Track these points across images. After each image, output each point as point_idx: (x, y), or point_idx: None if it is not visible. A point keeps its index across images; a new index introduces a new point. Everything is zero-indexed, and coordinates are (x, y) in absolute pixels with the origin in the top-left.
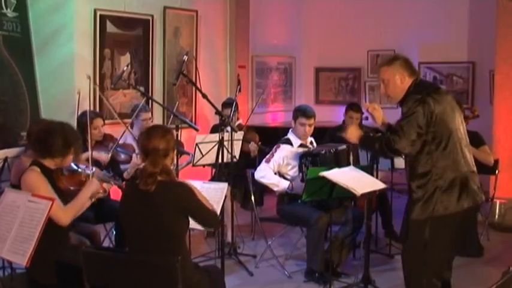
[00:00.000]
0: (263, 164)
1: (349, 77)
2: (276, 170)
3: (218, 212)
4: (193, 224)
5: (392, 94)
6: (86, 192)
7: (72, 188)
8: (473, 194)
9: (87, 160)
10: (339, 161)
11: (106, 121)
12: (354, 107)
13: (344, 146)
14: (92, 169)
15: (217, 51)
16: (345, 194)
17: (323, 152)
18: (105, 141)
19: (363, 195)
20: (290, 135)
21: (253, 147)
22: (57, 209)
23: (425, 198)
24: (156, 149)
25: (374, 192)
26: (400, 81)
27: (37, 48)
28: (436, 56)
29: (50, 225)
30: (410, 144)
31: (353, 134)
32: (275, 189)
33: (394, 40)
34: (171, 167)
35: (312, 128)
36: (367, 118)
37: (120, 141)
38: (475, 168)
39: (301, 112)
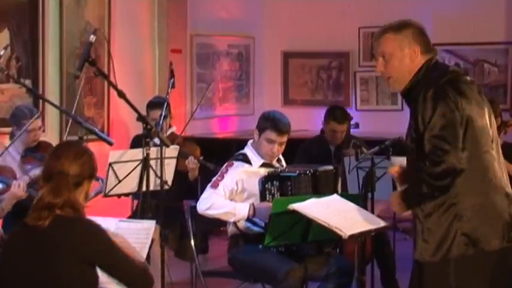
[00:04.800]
0: (208, 191)
1: (333, 65)
2: (227, 199)
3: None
4: (105, 281)
5: (395, 75)
6: None
7: None
8: (506, 228)
9: None
10: (320, 188)
11: None
12: (336, 115)
13: (329, 167)
14: None
15: (140, 28)
16: (326, 236)
17: (296, 174)
18: None
19: (353, 237)
20: (248, 150)
21: (192, 163)
22: None
23: (438, 234)
24: (63, 174)
25: (369, 232)
26: (410, 59)
27: None
28: (460, 35)
29: None
30: (461, 156)
31: (396, 203)
32: (231, 220)
33: (398, 13)
34: (84, 204)
35: (283, 147)
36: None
37: None
38: (510, 190)
39: (271, 123)
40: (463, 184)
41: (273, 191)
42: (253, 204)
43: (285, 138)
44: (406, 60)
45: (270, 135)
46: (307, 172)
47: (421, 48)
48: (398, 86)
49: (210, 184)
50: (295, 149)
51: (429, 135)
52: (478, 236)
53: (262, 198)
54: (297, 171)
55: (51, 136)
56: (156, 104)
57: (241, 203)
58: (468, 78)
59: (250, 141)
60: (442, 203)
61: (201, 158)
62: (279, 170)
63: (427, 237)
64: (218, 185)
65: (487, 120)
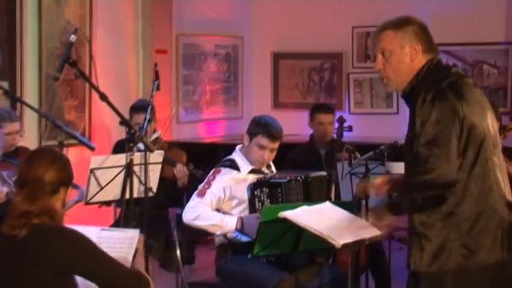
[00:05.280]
0: (195, 200)
1: (325, 66)
2: (214, 207)
3: None
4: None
5: (393, 75)
6: None
7: None
8: (509, 238)
9: None
10: (311, 195)
11: None
12: (320, 107)
13: (321, 173)
14: None
15: (124, 27)
16: (318, 246)
17: (286, 180)
18: None
19: (346, 246)
20: (236, 156)
21: (180, 172)
22: None
23: (435, 243)
24: (38, 180)
25: (363, 241)
26: (410, 58)
27: None
28: (458, 35)
29: None
30: (455, 165)
31: (378, 186)
32: (218, 232)
33: (394, 11)
34: (61, 212)
35: (274, 153)
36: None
37: None
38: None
39: (263, 128)
40: (462, 192)
41: (262, 198)
42: (241, 217)
43: (276, 145)
44: (406, 59)
45: (261, 141)
46: (298, 178)
47: (422, 47)
48: (394, 86)
49: (196, 192)
50: (286, 154)
51: (423, 140)
52: (476, 247)
53: (251, 205)
54: (288, 178)
55: (29, 141)
56: (140, 107)
57: (229, 216)
58: (471, 80)
59: (239, 146)
60: (440, 211)
61: (190, 165)
62: (269, 176)
63: (424, 246)
64: (205, 193)
65: (489, 126)
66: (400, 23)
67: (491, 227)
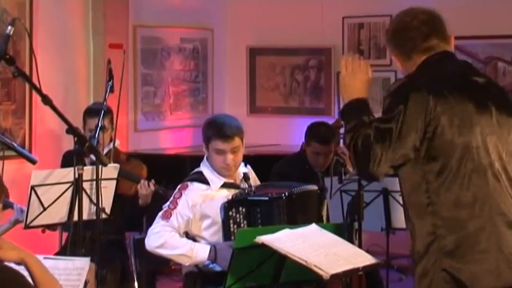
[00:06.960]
0: (159, 223)
1: (311, 64)
2: (183, 230)
3: None
4: None
5: None
6: None
7: None
8: (506, 263)
9: None
10: (297, 215)
11: None
12: (319, 134)
13: (311, 187)
14: None
15: (71, 17)
16: (302, 277)
17: (268, 197)
18: None
19: (336, 277)
20: (205, 168)
21: (145, 189)
22: None
23: (419, 269)
24: None
25: (355, 271)
26: (400, 63)
27: None
28: (468, 27)
29: None
30: (393, 163)
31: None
32: (187, 263)
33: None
34: None
35: (239, 155)
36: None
37: None
38: None
39: (214, 129)
40: (446, 212)
41: (238, 220)
42: (214, 246)
43: (236, 143)
44: (398, 65)
45: (216, 145)
46: (282, 195)
47: (407, 48)
48: None
49: (161, 213)
50: (267, 169)
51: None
52: (460, 274)
53: (226, 228)
54: (269, 195)
55: None
56: (95, 111)
57: (200, 244)
58: (479, 79)
59: (206, 156)
60: (422, 233)
61: (152, 181)
62: (246, 192)
63: (416, 274)
64: (171, 214)
65: (483, 125)
66: (394, 29)
67: (477, 251)
